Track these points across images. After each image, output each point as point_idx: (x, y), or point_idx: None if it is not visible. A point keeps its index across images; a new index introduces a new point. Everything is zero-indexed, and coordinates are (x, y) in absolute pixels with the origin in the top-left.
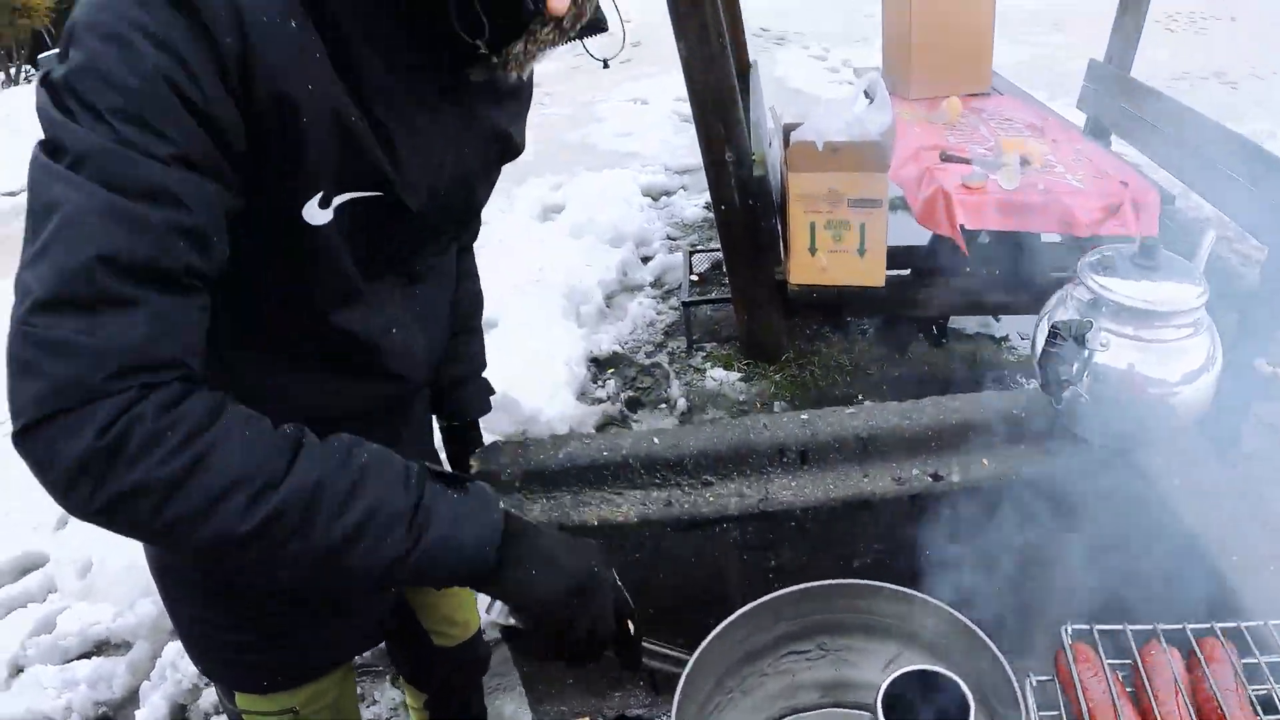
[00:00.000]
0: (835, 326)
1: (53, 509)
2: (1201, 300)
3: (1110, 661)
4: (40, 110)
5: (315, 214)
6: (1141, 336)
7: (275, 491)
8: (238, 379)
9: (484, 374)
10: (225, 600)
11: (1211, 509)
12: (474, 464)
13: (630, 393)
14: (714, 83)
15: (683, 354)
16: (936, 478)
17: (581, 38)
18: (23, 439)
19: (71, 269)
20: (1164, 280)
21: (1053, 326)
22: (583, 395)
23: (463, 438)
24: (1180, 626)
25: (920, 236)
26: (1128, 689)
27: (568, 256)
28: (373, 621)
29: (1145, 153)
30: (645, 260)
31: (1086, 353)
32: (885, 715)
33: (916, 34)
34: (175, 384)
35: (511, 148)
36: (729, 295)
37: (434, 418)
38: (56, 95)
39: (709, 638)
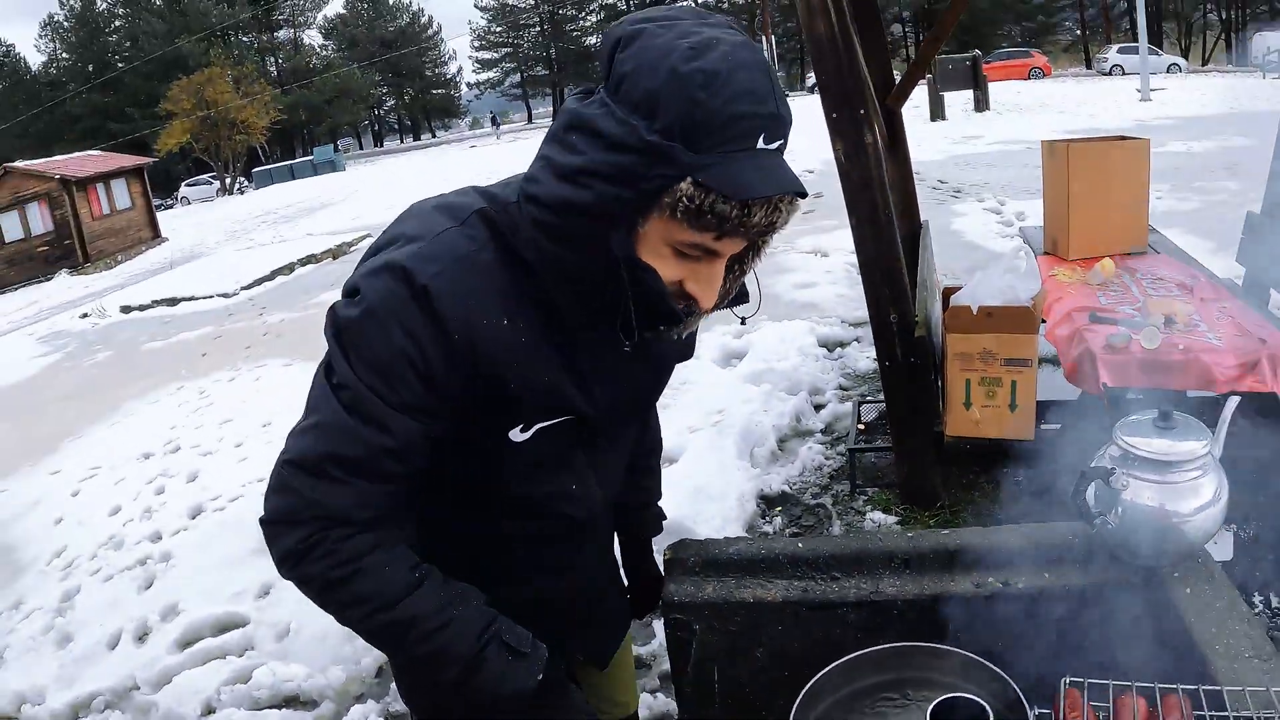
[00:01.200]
0: (989, 476)
1: (255, 580)
2: (1205, 451)
3: (1094, 703)
4: (327, 331)
5: (517, 435)
6: (1161, 479)
7: (385, 614)
8: (432, 526)
9: (659, 503)
10: None
11: (1207, 610)
12: (668, 554)
13: (795, 529)
14: (881, 253)
15: (846, 496)
16: (1006, 584)
17: (731, 307)
18: (263, 525)
19: (317, 455)
20: (1177, 437)
21: (1080, 471)
22: (751, 529)
23: (638, 552)
24: (1152, 685)
25: (1074, 393)
26: None
27: (747, 401)
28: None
29: None
30: (818, 408)
31: (1115, 492)
32: None
33: (1074, 197)
34: (356, 529)
35: (682, 359)
36: (891, 444)
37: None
38: (339, 333)
39: (825, 670)
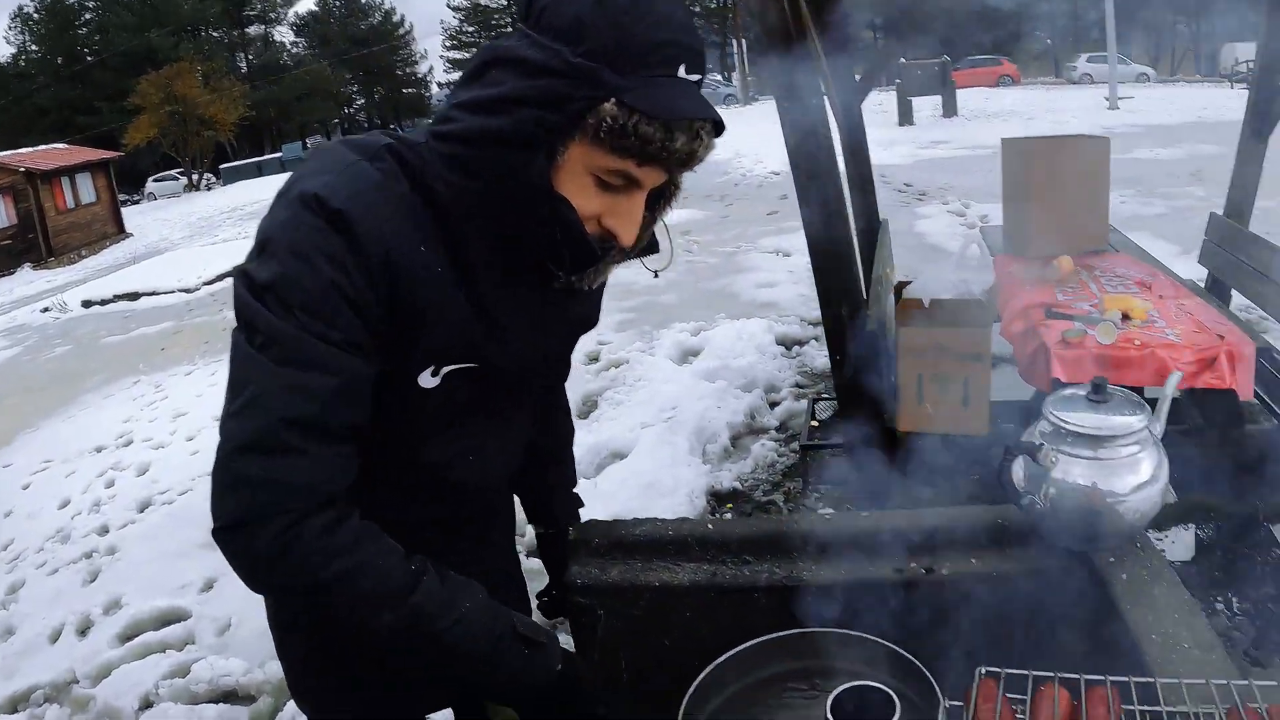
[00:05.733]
0: (942, 472)
1: (200, 574)
2: (1143, 425)
3: (1012, 695)
4: (239, 299)
5: (426, 380)
6: (1094, 455)
7: (393, 613)
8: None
9: (574, 490)
10: (322, 650)
11: (1144, 596)
12: (572, 534)
13: None
14: (832, 246)
15: (798, 493)
16: (930, 570)
17: (641, 257)
18: (220, 535)
19: (263, 427)
20: (1111, 411)
21: (1005, 447)
22: None
23: (554, 543)
24: (1077, 676)
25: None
26: (1018, 717)
27: (701, 398)
28: (443, 690)
29: (1258, 304)
30: (774, 405)
31: (1040, 469)
32: (833, 715)
33: (1034, 196)
34: (333, 510)
35: (588, 326)
36: (844, 441)
37: (530, 527)
38: (258, 288)
39: (721, 658)
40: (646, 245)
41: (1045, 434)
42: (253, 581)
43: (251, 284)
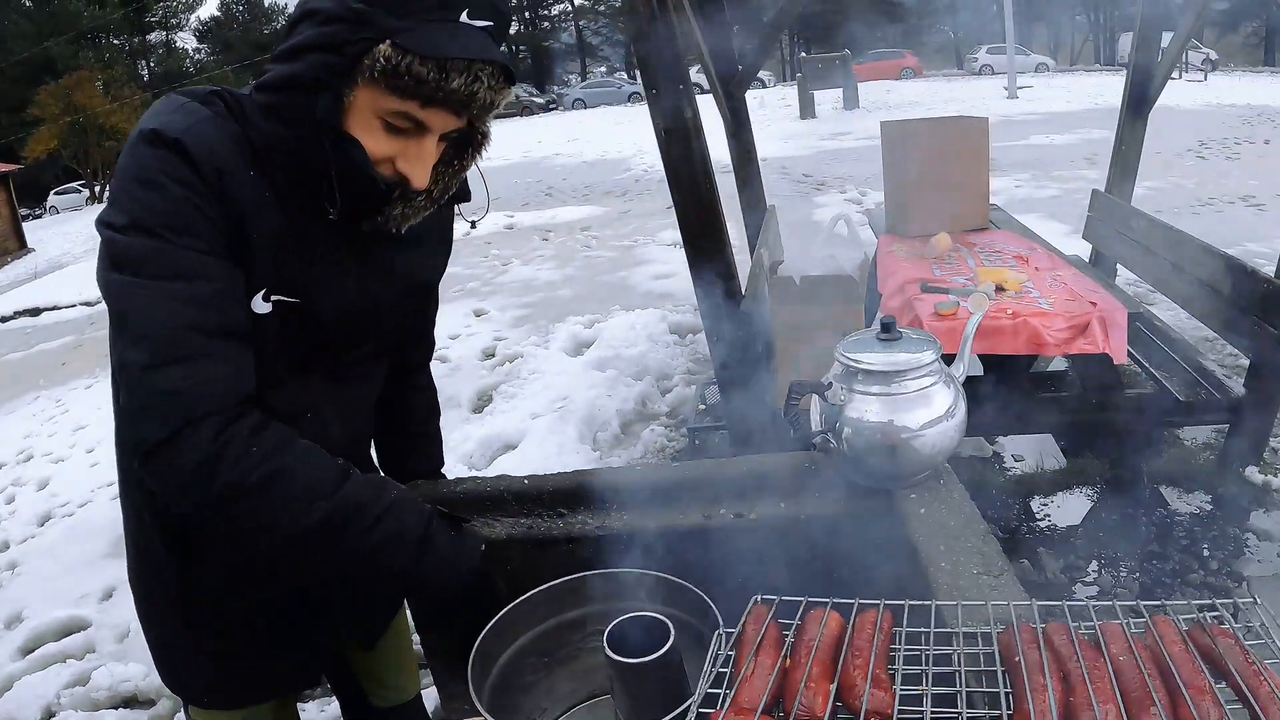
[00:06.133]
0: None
1: (100, 583)
2: (933, 359)
3: (784, 622)
4: (106, 240)
5: (260, 305)
6: (886, 392)
7: (328, 502)
8: None
9: (442, 470)
10: (193, 626)
11: (940, 530)
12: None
13: None
14: (704, 228)
15: None
16: (739, 516)
17: (452, 205)
18: (149, 458)
19: (165, 338)
20: (901, 350)
21: (791, 385)
22: None
23: None
24: (851, 601)
25: None
26: (784, 635)
27: (592, 387)
28: (311, 661)
29: (1135, 272)
30: (665, 393)
31: (832, 406)
32: (612, 648)
33: (913, 176)
34: (256, 413)
35: (418, 283)
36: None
37: None
38: (119, 228)
39: (492, 621)
40: (458, 193)
41: (837, 375)
42: (188, 492)
43: (112, 224)
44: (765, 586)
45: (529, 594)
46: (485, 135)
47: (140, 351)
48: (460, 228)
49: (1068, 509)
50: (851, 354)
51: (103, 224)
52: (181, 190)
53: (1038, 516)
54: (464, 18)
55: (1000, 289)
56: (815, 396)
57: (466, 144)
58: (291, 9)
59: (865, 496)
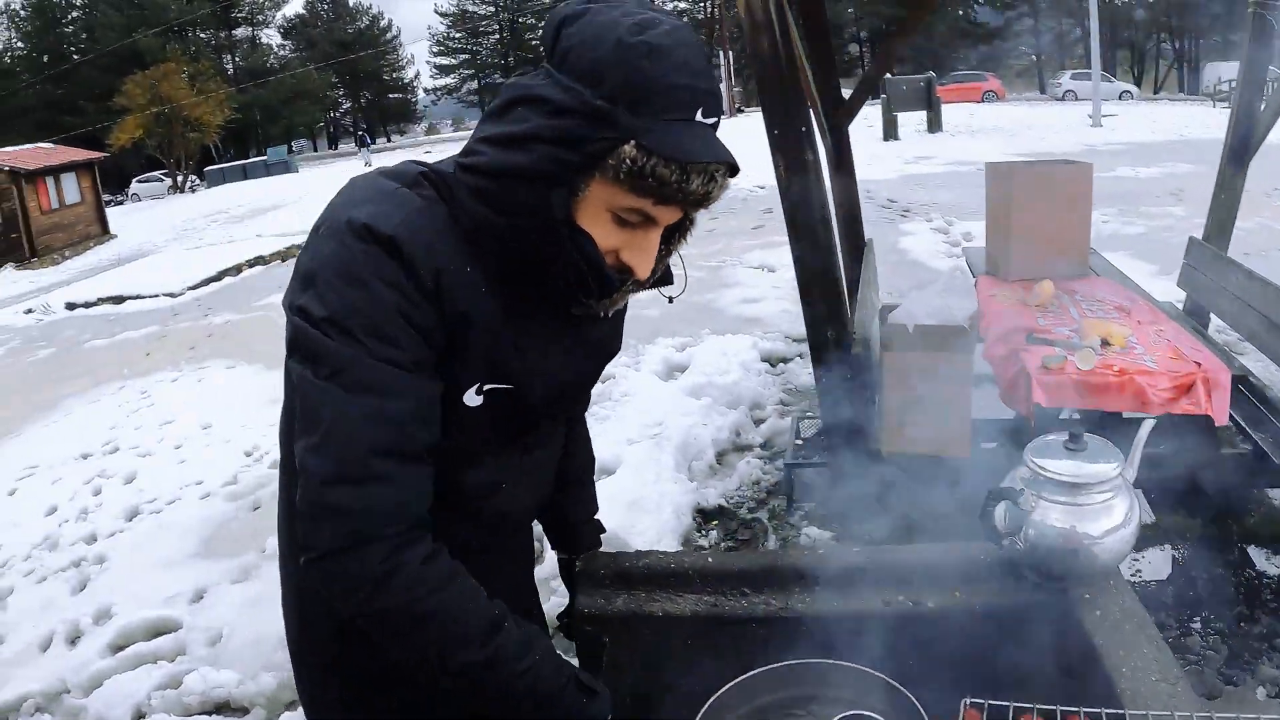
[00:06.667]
0: (924, 493)
1: (190, 584)
2: (1116, 473)
3: None
4: (298, 328)
5: (472, 398)
6: (1070, 501)
7: (476, 652)
8: None
9: (595, 517)
10: (344, 690)
11: (1116, 632)
12: (578, 565)
13: (730, 544)
14: (819, 270)
15: (782, 511)
16: (915, 603)
17: (657, 287)
18: (316, 563)
19: (346, 456)
20: (1087, 459)
21: (988, 492)
22: (686, 543)
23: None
24: (1054, 707)
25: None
26: None
27: (686, 414)
28: None
29: (1230, 325)
30: (758, 423)
31: (1020, 512)
32: None
33: (1016, 219)
34: (428, 540)
35: (611, 352)
36: (828, 460)
37: (555, 553)
38: (316, 319)
39: (725, 687)
40: (661, 276)
41: (1025, 479)
42: (354, 604)
43: (309, 316)
44: (946, 680)
45: (742, 678)
46: (694, 222)
47: (319, 460)
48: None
49: (1156, 565)
50: (1040, 461)
51: (297, 310)
52: (392, 295)
53: (1126, 572)
54: (699, 116)
55: (1106, 343)
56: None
57: (676, 229)
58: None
59: (1038, 592)
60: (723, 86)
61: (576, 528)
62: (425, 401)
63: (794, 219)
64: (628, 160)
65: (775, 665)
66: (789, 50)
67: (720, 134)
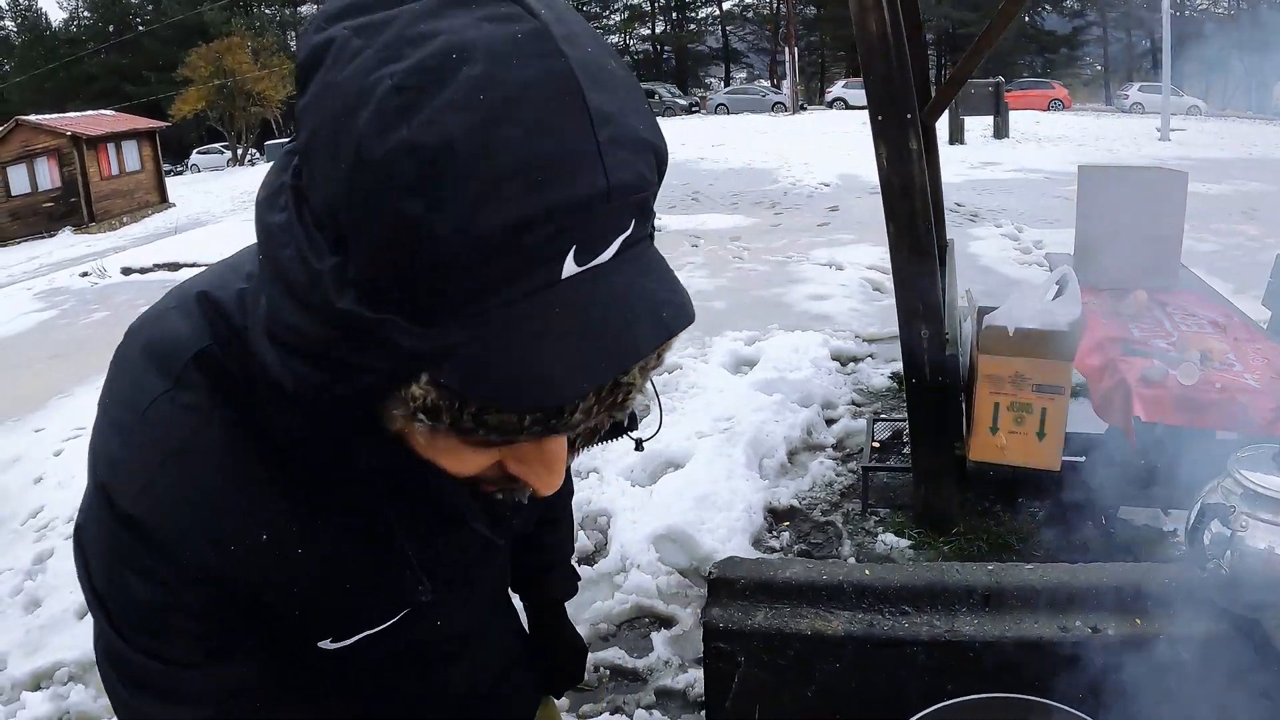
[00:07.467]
0: (1008, 505)
1: None
2: None
3: None
4: (78, 559)
5: (328, 645)
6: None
7: None
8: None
9: (571, 559)
10: None
11: None
12: (713, 571)
13: (803, 546)
14: (917, 264)
15: (857, 516)
16: (1095, 630)
17: (611, 439)
18: None
19: None
20: None
21: (1203, 506)
22: (757, 543)
23: (552, 619)
24: None
25: (1101, 424)
26: None
27: (757, 410)
28: None
29: None
30: (830, 422)
31: (1229, 533)
32: None
33: (1108, 226)
34: None
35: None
36: (908, 465)
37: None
38: (85, 583)
39: (929, 710)
40: (615, 428)
41: (1236, 495)
42: None
43: (81, 566)
44: (1133, 710)
45: (950, 702)
46: (660, 356)
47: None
48: None
49: None
50: (1253, 475)
51: (75, 541)
52: (147, 590)
53: None
54: (569, 264)
55: (1205, 358)
56: (1215, 520)
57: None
58: None
59: (1224, 620)
60: (785, 85)
61: (544, 575)
62: (233, 692)
63: (894, 210)
64: (423, 411)
65: (972, 698)
66: (897, 33)
67: (783, 130)
